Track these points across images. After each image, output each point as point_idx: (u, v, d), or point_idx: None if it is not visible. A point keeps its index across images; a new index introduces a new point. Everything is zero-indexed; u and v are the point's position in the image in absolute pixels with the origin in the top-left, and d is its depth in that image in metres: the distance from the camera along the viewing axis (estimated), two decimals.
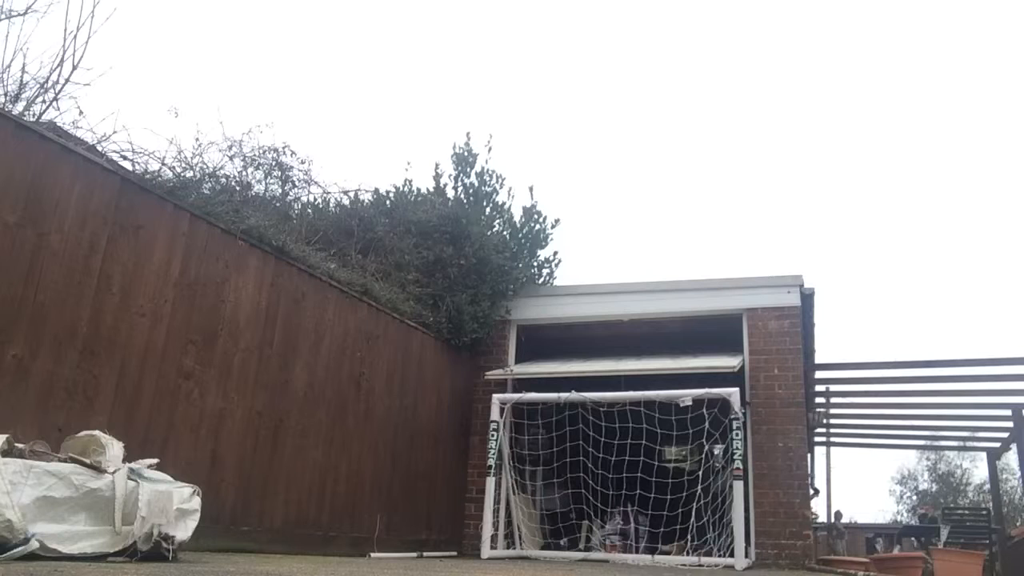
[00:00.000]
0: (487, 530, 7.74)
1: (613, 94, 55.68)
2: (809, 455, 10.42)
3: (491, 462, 7.88)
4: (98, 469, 3.50)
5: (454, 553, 8.09)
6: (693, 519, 7.75)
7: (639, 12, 50.93)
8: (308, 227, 7.55)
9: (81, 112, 5.00)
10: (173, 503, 3.74)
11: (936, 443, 18.75)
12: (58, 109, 4.92)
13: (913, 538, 13.00)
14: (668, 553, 7.88)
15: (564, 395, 8.05)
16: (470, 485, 8.70)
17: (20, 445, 3.42)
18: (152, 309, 4.85)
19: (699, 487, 7.79)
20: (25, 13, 4.78)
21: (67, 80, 4.95)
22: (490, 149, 10.91)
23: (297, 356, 6.12)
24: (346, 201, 8.84)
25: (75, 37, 4.98)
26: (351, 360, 6.81)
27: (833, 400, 11.96)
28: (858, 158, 56.45)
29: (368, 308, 7.11)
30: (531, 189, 12.99)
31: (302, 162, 7.72)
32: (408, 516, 7.53)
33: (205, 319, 5.27)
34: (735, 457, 7.18)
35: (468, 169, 10.75)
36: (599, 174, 59.02)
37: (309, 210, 8.23)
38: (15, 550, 3.00)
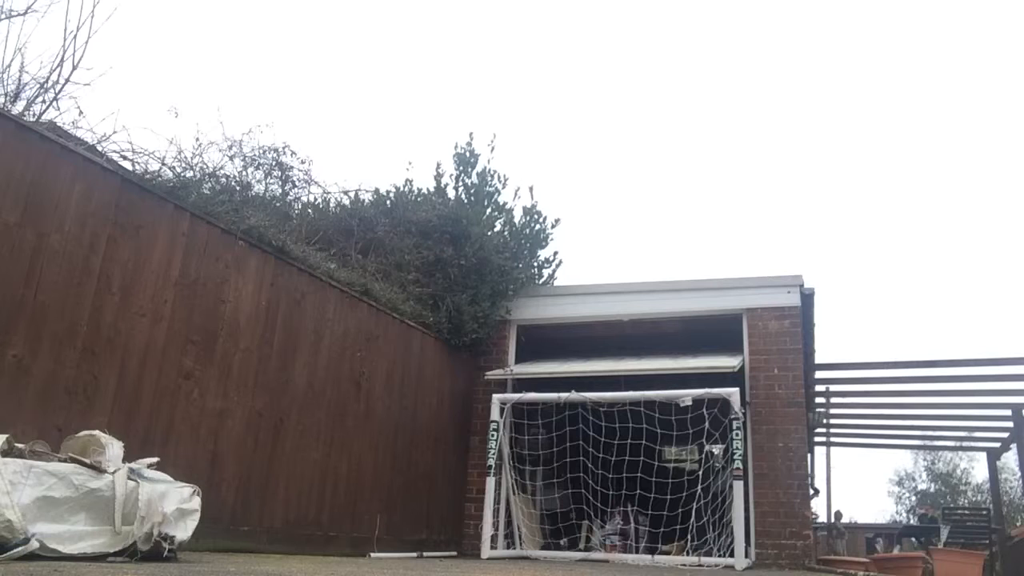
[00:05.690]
0: (487, 530, 7.74)
1: (613, 94, 55.71)
2: (809, 455, 10.42)
3: (491, 462, 7.88)
4: (98, 469, 3.50)
5: (454, 553, 8.09)
6: (693, 519, 7.75)
7: (639, 12, 50.95)
8: (308, 227, 7.55)
9: (81, 112, 5.01)
10: (173, 503, 3.74)
11: (936, 443, 18.76)
12: (58, 109, 4.94)
13: (913, 538, 13.00)
14: (668, 553, 7.88)
15: (564, 395, 8.04)
16: (470, 485, 8.69)
17: (20, 445, 3.42)
18: (152, 309, 4.85)
19: (699, 487, 7.79)
20: (25, 13, 4.79)
21: (67, 80, 4.96)
22: (493, 149, 10.86)
23: (297, 356, 6.13)
24: (346, 201, 8.84)
25: (75, 37, 5.00)
26: (351, 360, 6.81)
27: (833, 400, 11.96)
28: (858, 158, 56.45)
29: (368, 308, 7.11)
30: (531, 189, 12.90)
31: (302, 162, 7.74)
32: (408, 516, 7.53)
33: (205, 319, 5.27)
34: (735, 457, 7.18)
35: (469, 169, 10.72)
36: (599, 174, 59.02)
37: (309, 210, 8.24)
38: (15, 550, 3.00)
